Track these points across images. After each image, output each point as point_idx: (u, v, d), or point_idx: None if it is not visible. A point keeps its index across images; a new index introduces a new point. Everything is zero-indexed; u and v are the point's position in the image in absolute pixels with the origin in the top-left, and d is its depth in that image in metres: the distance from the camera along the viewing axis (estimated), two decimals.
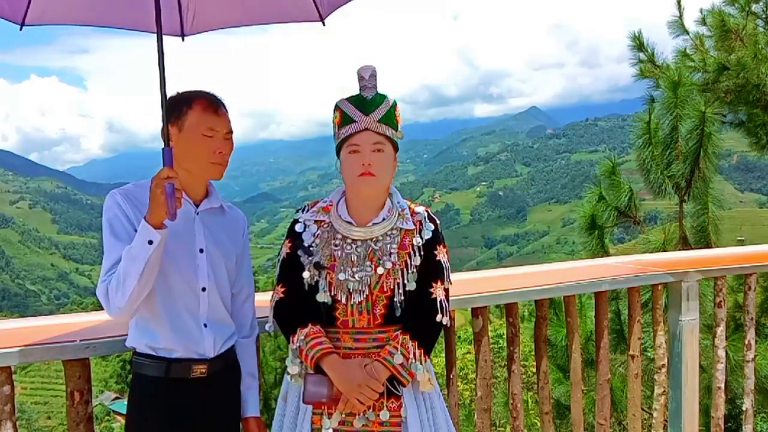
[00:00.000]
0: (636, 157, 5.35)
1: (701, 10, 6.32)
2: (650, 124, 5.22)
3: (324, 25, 2.30)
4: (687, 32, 6.48)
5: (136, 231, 1.71)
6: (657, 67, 6.32)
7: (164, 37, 1.85)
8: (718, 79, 5.75)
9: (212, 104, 1.84)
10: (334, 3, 2.25)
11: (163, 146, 1.75)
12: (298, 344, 1.84)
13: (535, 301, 2.74)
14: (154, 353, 1.83)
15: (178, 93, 1.87)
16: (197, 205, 1.90)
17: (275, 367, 9.75)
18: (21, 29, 2.10)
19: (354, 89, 1.90)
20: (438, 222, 1.98)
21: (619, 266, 3.06)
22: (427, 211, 1.98)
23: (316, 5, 2.24)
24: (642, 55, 6.47)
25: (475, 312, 2.55)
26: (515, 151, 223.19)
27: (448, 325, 1.97)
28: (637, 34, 6.50)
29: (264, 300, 2.06)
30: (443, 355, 2.57)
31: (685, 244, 5.16)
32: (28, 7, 2.03)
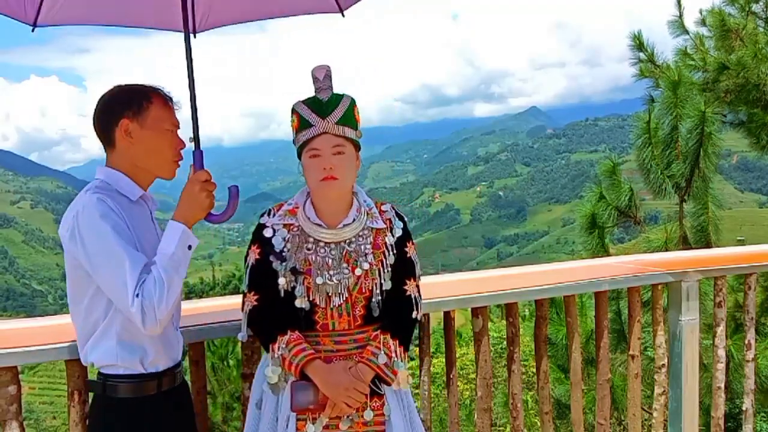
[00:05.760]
0: (636, 157, 5.35)
1: (701, 11, 6.32)
2: (650, 123, 5.21)
3: (343, 16, 2.21)
4: (687, 32, 6.48)
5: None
6: (657, 67, 6.32)
7: (169, 32, 1.78)
8: (718, 78, 5.75)
9: (168, 98, 1.77)
10: None
11: (193, 149, 1.74)
12: (280, 352, 1.80)
13: (535, 301, 2.74)
14: (143, 371, 1.70)
15: (124, 85, 1.76)
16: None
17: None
18: (33, 30, 2.08)
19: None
20: (406, 219, 1.98)
21: (619, 266, 3.06)
22: (393, 208, 1.98)
23: None
24: (642, 55, 6.47)
25: (475, 312, 2.55)
26: (515, 151, 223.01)
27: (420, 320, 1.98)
28: (636, 34, 6.50)
29: (231, 304, 1.97)
30: (443, 355, 2.57)
31: (685, 244, 5.16)
32: (39, 7, 2.01)
